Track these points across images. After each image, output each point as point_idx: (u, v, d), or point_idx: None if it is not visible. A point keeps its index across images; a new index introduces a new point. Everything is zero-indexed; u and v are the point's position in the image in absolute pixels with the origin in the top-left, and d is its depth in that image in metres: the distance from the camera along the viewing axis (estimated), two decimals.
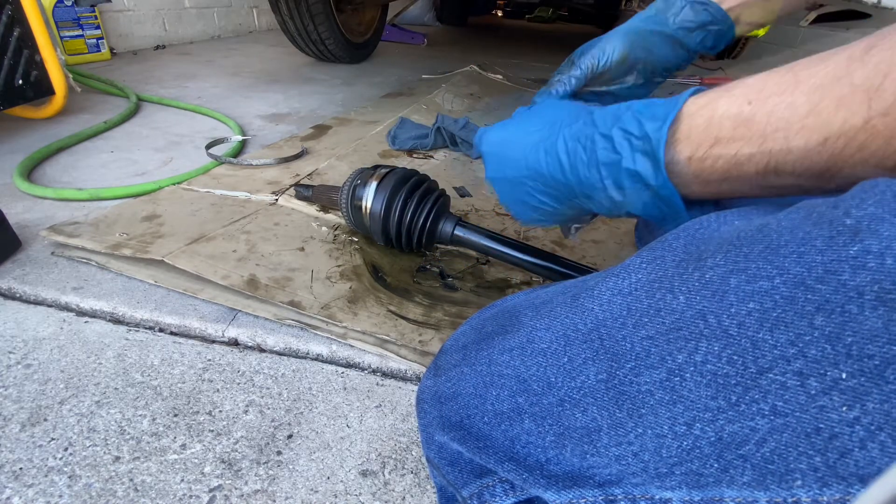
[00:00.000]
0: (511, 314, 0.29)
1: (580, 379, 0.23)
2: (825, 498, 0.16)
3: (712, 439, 0.18)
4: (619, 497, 0.21)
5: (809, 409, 0.16)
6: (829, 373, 0.16)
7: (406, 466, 0.40)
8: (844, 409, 0.16)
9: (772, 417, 0.17)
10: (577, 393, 0.23)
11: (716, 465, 0.18)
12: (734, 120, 0.25)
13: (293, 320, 0.52)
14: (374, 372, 0.49)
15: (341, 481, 0.38)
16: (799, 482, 0.17)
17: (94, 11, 1.70)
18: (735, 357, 0.18)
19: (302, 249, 0.64)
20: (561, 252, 0.67)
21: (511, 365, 0.26)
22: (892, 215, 0.16)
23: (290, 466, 0.39)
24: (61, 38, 1.60)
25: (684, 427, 0.19)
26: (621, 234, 0.74)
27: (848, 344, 0.16)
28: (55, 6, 1.57)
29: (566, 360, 0.24)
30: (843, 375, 0.16)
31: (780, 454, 0.17)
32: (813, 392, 0.16)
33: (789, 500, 0.17)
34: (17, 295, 0.55)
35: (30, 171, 0.82)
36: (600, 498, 0.21)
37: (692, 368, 0.19)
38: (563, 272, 0.54)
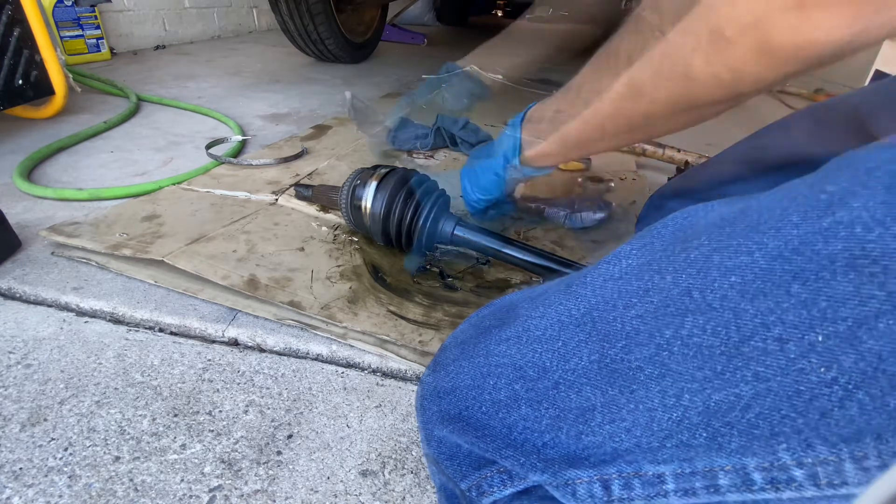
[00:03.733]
0: (508, 308, 0.30)
1: (573, 361, 0.23)
2: (809, 459, 0.17)
3: (700, 409, 0.19)
4: (614, 476, 0.21)
5: (790, 372, 0.17)
6: (806, 336, 0.17)
7: (406, 466, 0.40)
8: (822, 370, 0.16)
9: (755, 383, 0.18)
10: (571, 375, 0.23)
11: (704, 435, 0.19)
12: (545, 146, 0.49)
13: (293, 320, 0.52)
14: (374, 372, 0.49)
15: (341, 481, 0.38)
16: (784, 445, 0.17)
17: (94, 11, 1.70)
18: (719, 328, 0.19)
19: (302, 249, 0.64)
20: (561, 252, 0.67)
21: (507, 354, 0.27)
22: (862, 188, 0.17)
23: (290, 466, 0.39)
24: (61, 38, 1.60)
25: (673, 399, 0.20)
26: (621, 234, 0.74)
27: (822, 308, 0.17)
28: (55, 6, 1.57)
29: (560, 344, 0.24)
30: (820, 338, 0.17)
31: (765, 418, 0.18)
32: (792, 356, 0.17)
33: (776, 463, 0.17)
34: (17, 295, 0.55)
35: (30, 171, 0.81)
36: (595, 478, 0.22)
37: (679, 342, 0.20)
38: (562, 272, 0.54)
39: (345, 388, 0.47)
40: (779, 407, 0.17)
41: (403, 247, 0.61)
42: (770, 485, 0.18)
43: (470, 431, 0.27)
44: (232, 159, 0.89)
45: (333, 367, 0.49)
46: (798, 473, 0.17)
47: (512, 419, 0.25)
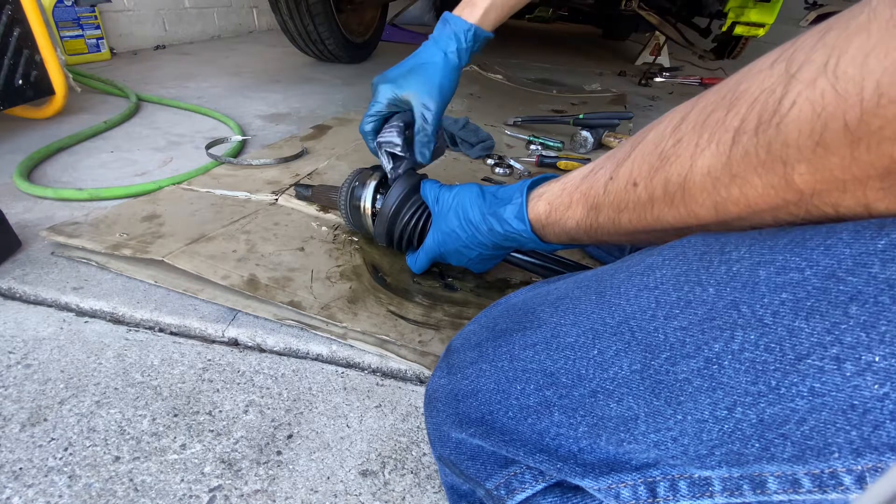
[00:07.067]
0: (525, 311, 0.30)
1: (612, 370, 0.24)
2: (859, 467, 0.17)
3: (753, 421, 0.19)
4: (658, 478, 0.22)
5: (845, 388, 0.17)
6: (863, 357, 0.17)
7: (406, 466, 0.40)
8: (876, 387, 0.17)
9: (810, 398, 0.18)
10: (611, 384, 0.24)
11: (757, 445, 0.19)
12: (546, 216, 0.39)
13: (293, 320, 0.52)
14: (374, 372, 0.49)
15: (341, 481, 0.38)
16: (836, 454, 0.18)
17: (94, 11, 1.70)
18: (773, 345, 0.19)
19: (302, 249, 0.64)
20: (560, 252, 0.67)
21: (535, 360, 0.27)
22: None
23: (290, 466, 0.39)
24: (61, 38, 1.60)
25: (725, 411, 0.20)
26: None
27: (882, 332, 0.17)
28: (55, 6, 1.57)
29: (596, 352, 0.24)
30: (877, 359, 0.17)
31: (819, 431, 0.18)
32: (848, 374, 0.17)
33: (826, 471, 0.18)
34: (17, 295, 0.55)
35: (30, 171, 0.81)
36: (639, 480, 0.22)
37: (730, 356, 0.20)
38: (561, 273, 0.54)
39: (345, 388, 0.47)
40: (833, 420, 0.18)
41: (404, 248, 0.61)
42: (818, 488, 0.18)
43: (495, 435, 0.27)
44: (232, 159, 0.89)
45: (333, 367, 0.49)
46: (847, 479, 0.18)
47: (543, 425, 0.25)
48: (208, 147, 0.93)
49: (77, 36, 1.66)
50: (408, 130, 0.58)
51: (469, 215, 0.46)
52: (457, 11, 0.56)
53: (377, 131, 0.59)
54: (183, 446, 0.39)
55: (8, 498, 0.35)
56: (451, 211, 0.49)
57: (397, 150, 0.56)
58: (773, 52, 0.21)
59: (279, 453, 0.40)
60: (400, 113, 0.57)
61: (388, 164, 0.57)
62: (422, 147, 0.56)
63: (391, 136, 0.55)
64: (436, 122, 0.55)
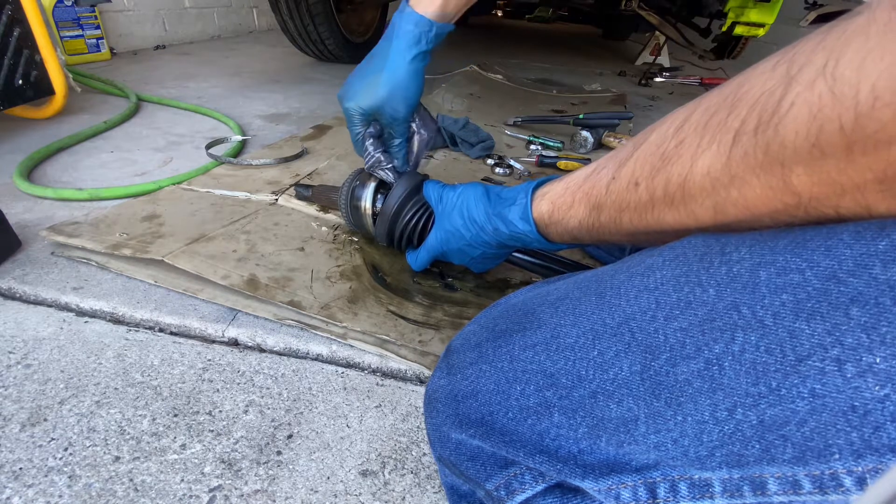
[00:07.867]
0: (525, 311, 0.30)
1: (612, 371, 0.24)
2: (860, 468, 0.17)
3: (754, 423, 0.19)
4: (658, 480, 0.22)
5: (845, 390, 0.17)
6: (864, 358, 0.17)
7: (406, 466, 0.40)
8: (877, 388, 0.17)
9: (811, 400, 0.18)
10: (611, 385, 0.23)
11: (757, 446, 0.19)
12: (549, 215, 0.39)
13: (293, 320, 0.52)
14: (374, 372, 0.49)
15: (341, 481, 0.38)
16: (836, 456, 0.18)
17: (94, 11, 1.70)
18: (773, 346, 0.19)
19: (302, 249, 0.64)
20: (561, 252, 0.67)
21: (535, 360, 0.27)
22: None
23: (290, 466, 0.39)
24: (61, 38, 1.60)
25: (726, 413, 0.20)
26: None
27: (883, 333, 0.17)
28: (55, 6, 1.57)
29: (595, 353, 0.24)
30: (878, 360, 0.17)
31: (820, 432, 0.18)
32: (849, 375, 0.17)
33: (826, 472, 0.18)
34: (17, 295, 0.55)
35: (30, 171, 0.81)
36: (639, 482, 0.22)
37: (730, 358, 0.20)
38: (562, 272, 0.54)
39: (345, 388, 0.47)
40: (834, 422, 0.18)
41: (403, 248, 0.61)
42: (818, 489, 0.18)
43: (494, 436, 0.27)
44: (232, 159, 0.89)
45: (333, 367, 0.49)
46: (847, 480, 0.18)
47: (543, 426, 0.25)
48: (208, 147, 0.93)
49: (77, 36, 1.66)
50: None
51: (473, 215, 0.46)
52: (413, 2, 0.51)
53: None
54: (183, 446, 0.39)
55: (8, 498, 0.35)
56: (456, 210, 0.49)
57: (385, 165, 0.58)
58: (776, 54, 0.21)
59: (279, 453, 0.40)
60: (370, 129, 0.58)
61: (389, 178, 0.58)
62: (395, 154, 0.58)
63: (375, 158, 0.57)
64: (405, 133, 0.57)
